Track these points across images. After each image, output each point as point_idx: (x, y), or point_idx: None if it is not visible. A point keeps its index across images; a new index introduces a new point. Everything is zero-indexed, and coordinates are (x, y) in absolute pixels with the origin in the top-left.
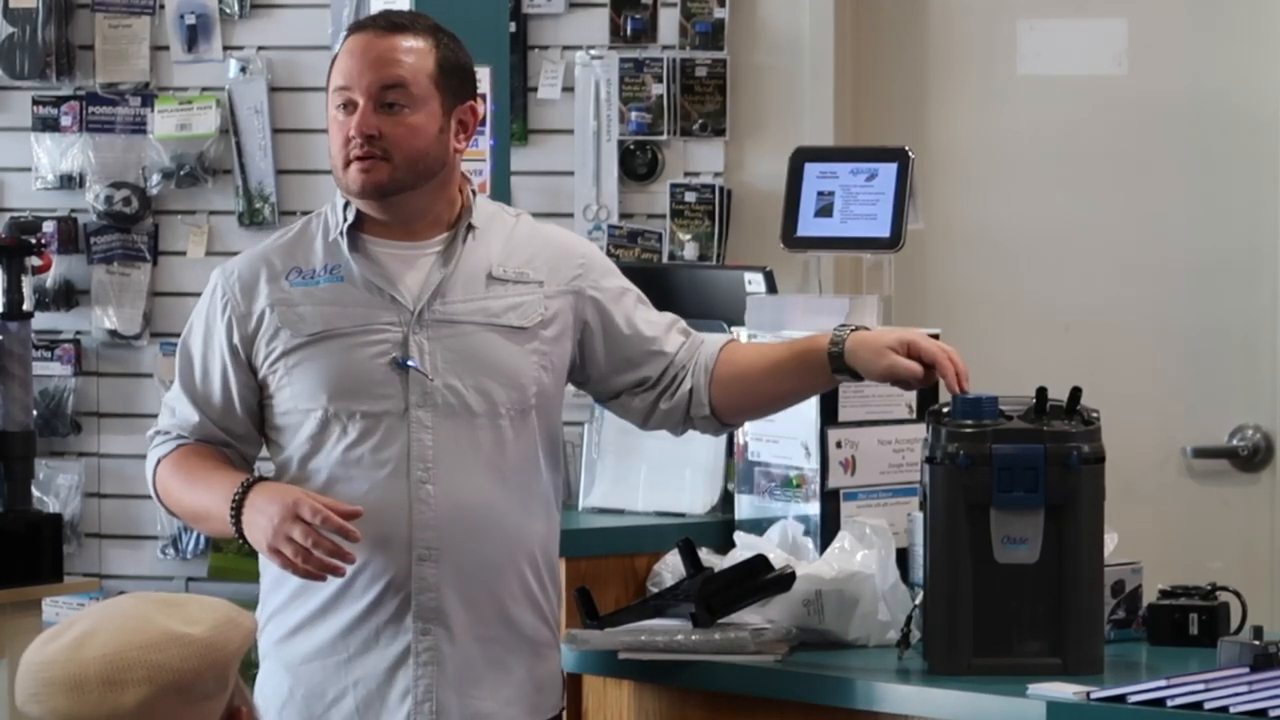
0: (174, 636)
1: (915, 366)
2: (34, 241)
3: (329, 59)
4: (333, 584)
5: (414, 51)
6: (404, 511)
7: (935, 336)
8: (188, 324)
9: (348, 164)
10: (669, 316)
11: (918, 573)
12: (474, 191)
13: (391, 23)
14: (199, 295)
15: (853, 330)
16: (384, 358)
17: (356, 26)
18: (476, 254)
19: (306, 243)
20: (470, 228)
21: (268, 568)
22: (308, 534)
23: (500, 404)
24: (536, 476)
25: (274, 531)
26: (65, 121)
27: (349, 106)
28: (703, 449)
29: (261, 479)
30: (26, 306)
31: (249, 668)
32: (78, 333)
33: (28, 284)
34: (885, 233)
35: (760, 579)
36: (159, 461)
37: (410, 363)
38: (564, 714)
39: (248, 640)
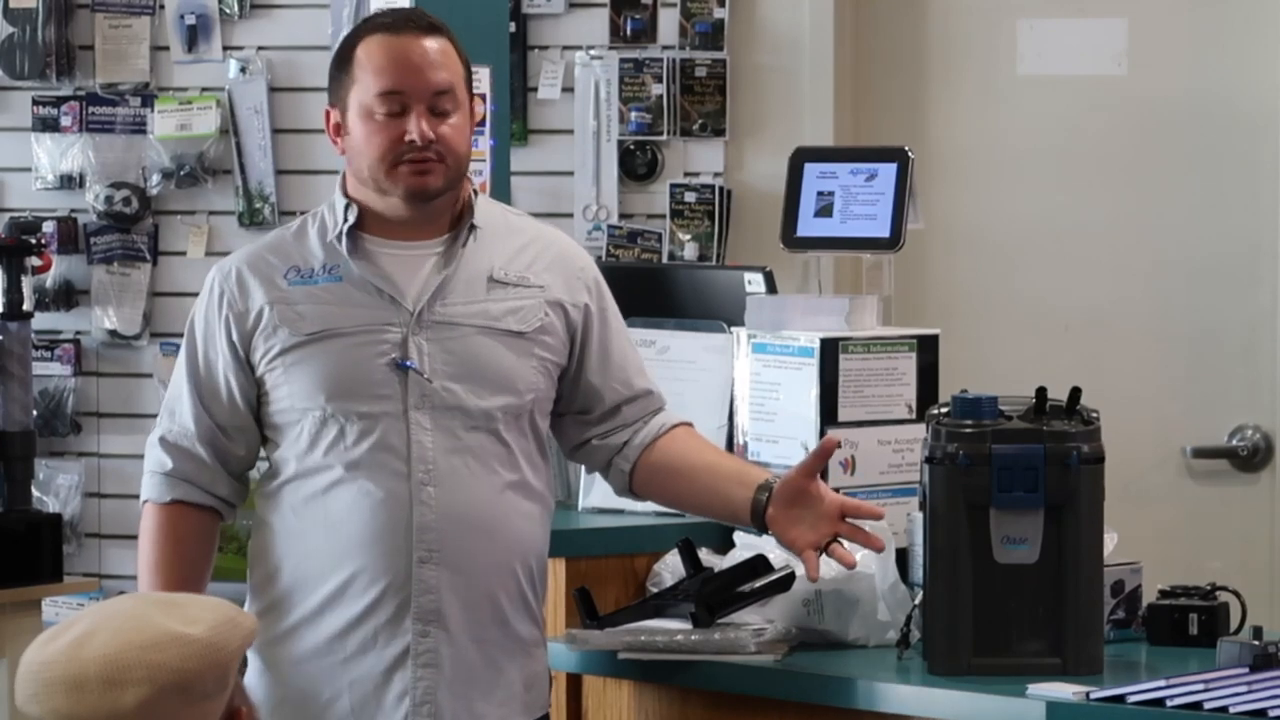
0: (174, 636)
1: (811, 559)
2: (34, 241)
3: (329, 59)
4: (329, 585)
5: (448, 54)
6: (405, 513)
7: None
8: (188, 322)
9: (395, 165)
10: (640, 359)
11: (918, 573)
12: (475, 191)
13: (428, 24)
14: (199, 295)
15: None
16: (383, 358)
17: (386, 27)
18: (478, 255)
19: (304, 242)
20: (472, 228)
21: (254, 568)
22: None
23: (497, 408)
24: (532, 477)
25: None
26: (65, 121)
27: (403, 111)
28: None
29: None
30: (26, 306)
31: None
32: (78, 333)
33: (28, 284)
34: (885, 233)
35: (760, 579)
36: (150, 501)
37: (409, 364)
38: (550, 714)
39: (248, 640)
